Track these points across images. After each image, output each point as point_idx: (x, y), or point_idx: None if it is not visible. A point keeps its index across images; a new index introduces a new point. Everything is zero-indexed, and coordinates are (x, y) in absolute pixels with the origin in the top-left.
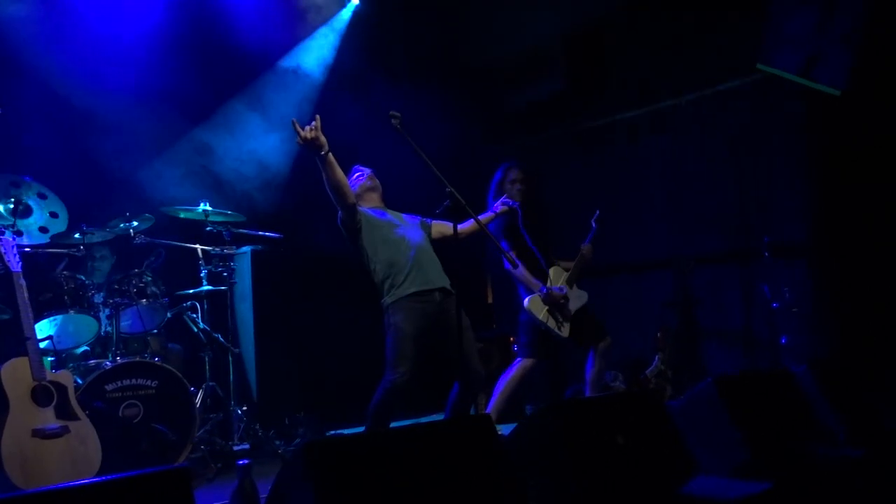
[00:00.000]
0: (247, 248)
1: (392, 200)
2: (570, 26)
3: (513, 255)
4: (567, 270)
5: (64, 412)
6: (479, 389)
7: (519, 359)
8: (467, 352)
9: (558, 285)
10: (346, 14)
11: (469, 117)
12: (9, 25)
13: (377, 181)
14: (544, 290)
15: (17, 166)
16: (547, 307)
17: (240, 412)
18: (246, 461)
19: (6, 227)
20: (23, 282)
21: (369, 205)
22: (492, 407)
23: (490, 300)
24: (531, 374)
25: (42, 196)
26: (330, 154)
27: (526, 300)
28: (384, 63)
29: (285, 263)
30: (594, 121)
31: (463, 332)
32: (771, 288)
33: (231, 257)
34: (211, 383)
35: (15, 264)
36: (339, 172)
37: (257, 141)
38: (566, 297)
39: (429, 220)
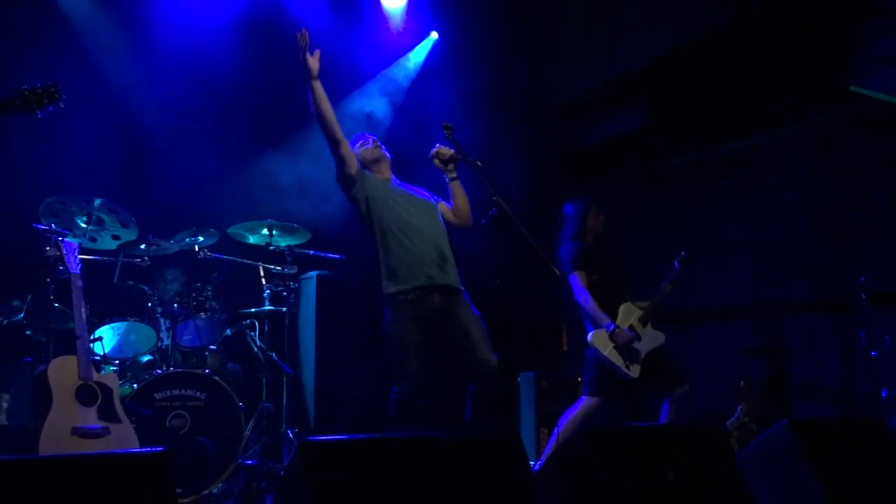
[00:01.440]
0: (312, 273)
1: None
2: (649, 59)
3: (574, 275)
4: (641, 309)
5: (107, 414)
6: (492, 381)
7: (583, 397)
8: (474, 343)
9: (628, 324)
10: (425, 47)
11: (545, 153)
12: (85, 49)
13: (383, 151)
14: (612, 327)
15: (91, 183)
16: (613, 344)
17: (291, 435)
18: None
19: (79, 236)
20: (80, 283)
21: (380, 175)
22: (551, 445)
23: (565, 346)
24: (595, 415)
25: (113, 210)
26: (318, 83)
27: (590, 334)
28: (459, 96)
29: (350, 290)
30: (674, 157)
31: (469, 326)
32: (869, 335)
33: (293, 278)
34: (267, 404)
35: (74, 265)
36: (327, 105)
37: (324, 165)
38: (637, 337)
39: (438, 200)
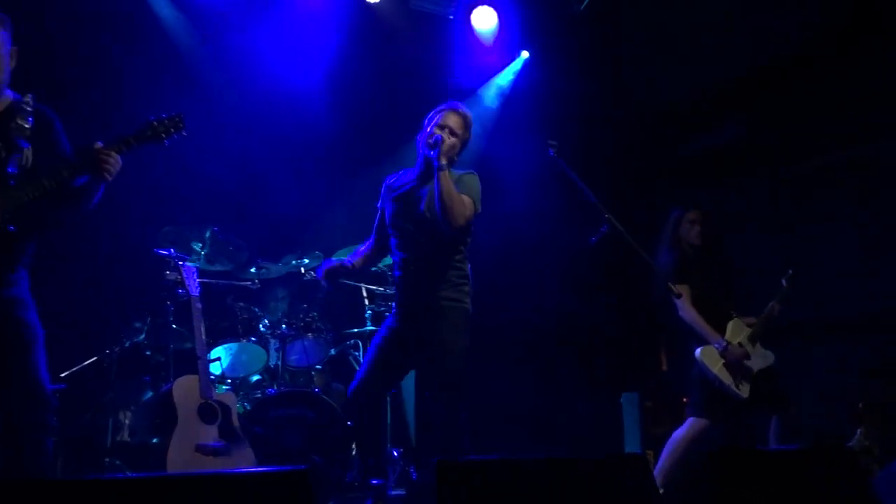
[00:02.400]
0: None
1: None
2: (749, 69)
3: (676, 288)
4: (749, 326)
5: (226, 432)
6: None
7: (690, 418)
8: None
9: (737, 341)
10: (516, 67)
11: (643, 164)
12: (196, 84)
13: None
14: (723, 345)
15: (205, 207)
16: (723, 361)
17: (396, 454)
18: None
19: (195, 260)
20: (199, 305)
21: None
22: (659, 469)
23: (664, 367)
24: (706, 437)
25: (224, 236)
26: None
27: (698, 351)
28: (555, 110)
29: None
30: (778, 167)
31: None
32: None
33: (394, 298)
34: None
35: (194, 288)
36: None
37: None
38: (747, 355)
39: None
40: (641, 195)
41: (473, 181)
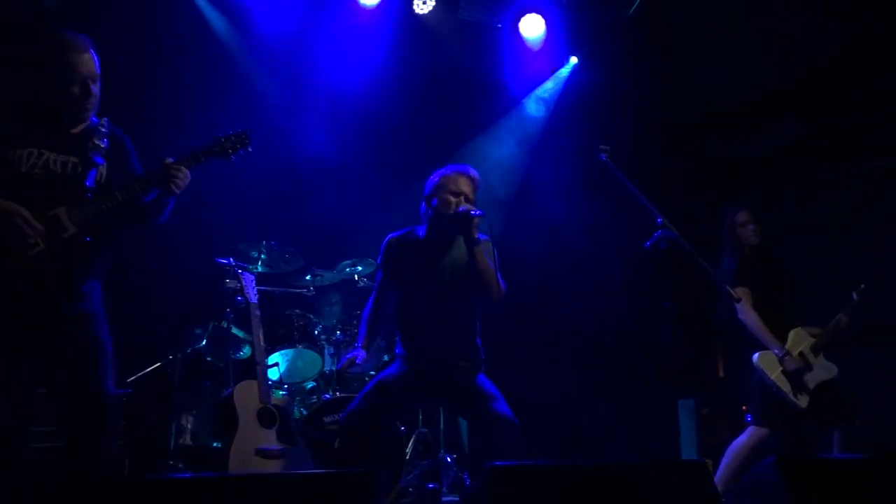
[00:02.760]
0: None
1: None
2: (807, 69)
3: (736, 291)
4: (813, 337)
5: (284, 436)
6: None
7: (751, 427)
8: None
9: (798, 351)
10: (565, 72)
11: (695, 170)
12: (254, 99)
13: None
14: (781, 353)
15: (261, 217)
16: (781, 368)
17: (449, 460)
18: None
19: (253, 269)
20: (258, 312)
21: None
22: (718, 478)
23: (721, 373)
24: (765, 447)
25: (280, 246)
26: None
27: (756, 356)
28: (602, 117)
29: (503, 318)
30: (838, 170)
31: None
32: None
33: None
34: (423, 429)
35: (252, 296)
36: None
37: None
38: (808, 366)
39: None
40: (696, 199)
41: (490, 247)
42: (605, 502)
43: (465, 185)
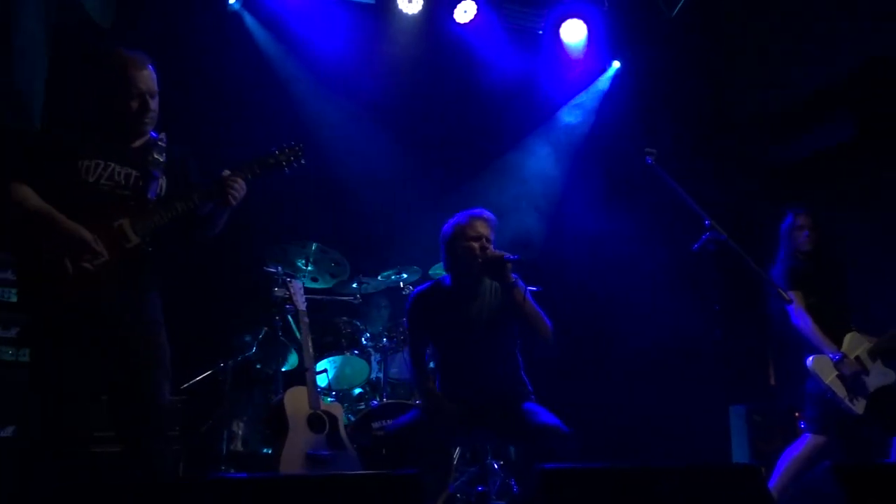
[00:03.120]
0: None
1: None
2: (858, 68)
3: (787, 294)
4: (870, 342)
5: (334, 441)
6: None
7: (807, 434)
8: None
9: (854, 355)
10: (608, 77)
11: (742, 173)
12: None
13: None
14: (838, 357)
15: (307, 228)
16: (836, 373)
17: (496, 467)
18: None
19: (300, 276)
20: (307, 319)
21: None
22: (774, 484)
23: (773, 381)
24: (823, 455)
25: (326, 252)
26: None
27: (810, 360)
28: (647, 121)
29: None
30: (890, 169)
31: None
32: None
33: None
34: None
35: (301, 304)
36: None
37: (522, 196)
38: (864, 370)
39: None
40: (748, 202)
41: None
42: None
43: (482, 228)
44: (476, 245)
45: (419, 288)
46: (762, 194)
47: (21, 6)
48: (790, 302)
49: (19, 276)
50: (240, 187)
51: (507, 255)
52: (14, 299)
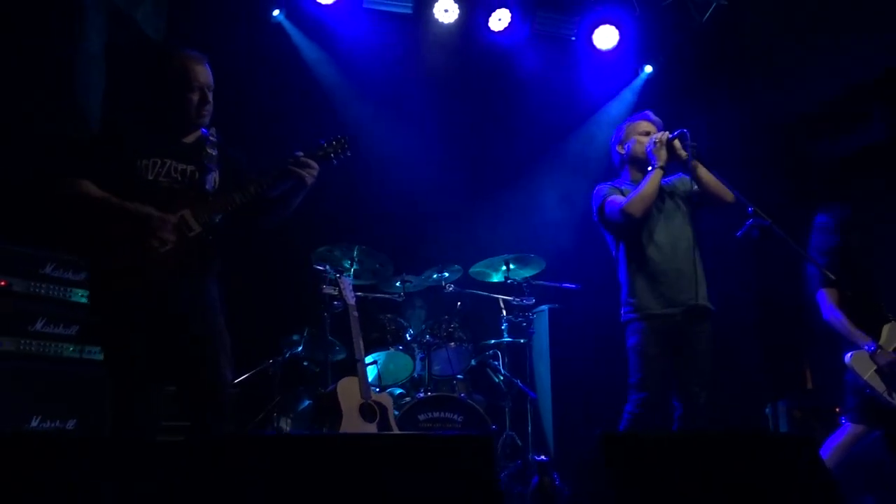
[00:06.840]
0: (544, 307)
1: None
2: (890, 66)
3: (821, 293)
4: None
5: (385, 430)
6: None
7: (847, 424)
8: (690, 376)
9: (893, 346)
10: (640, 81)
11: (774, 175)
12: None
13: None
14: (873, 347)
15: (352, 228)
16: (875, 367)
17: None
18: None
19: (346, 274)
20: (356, 313)
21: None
22: None
23: (809, 384)
24: (863, 444)
25: (371, 254)
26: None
27: (848, 356)
28: (683, 124)
29: (582, 319)
30: None
31: (696, 359)
32: None
33: (530, 309)
34: (510, 432)
35: (350, 298)
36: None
37: (558, 198)
38: None
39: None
40: (784, 203)
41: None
42: (716, 470)
43: (648, 127)
44: (645, 139)
45: (603, 184)
46: (797, 194)
47: (86, 32)
48: (834, 280)
49: (91, 269)
50: (314, 166)
51: (670, 134)
52: (74, 298)
